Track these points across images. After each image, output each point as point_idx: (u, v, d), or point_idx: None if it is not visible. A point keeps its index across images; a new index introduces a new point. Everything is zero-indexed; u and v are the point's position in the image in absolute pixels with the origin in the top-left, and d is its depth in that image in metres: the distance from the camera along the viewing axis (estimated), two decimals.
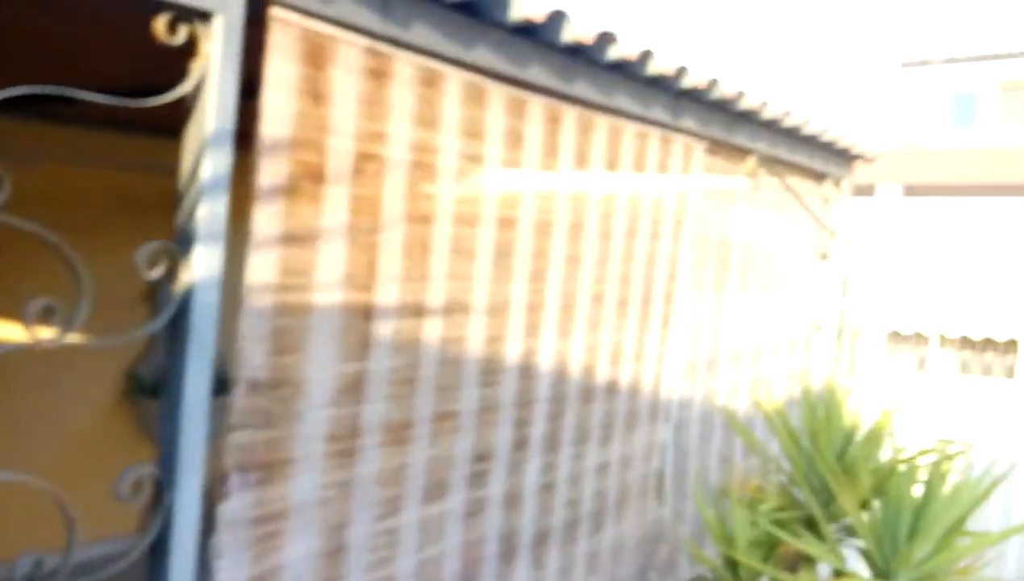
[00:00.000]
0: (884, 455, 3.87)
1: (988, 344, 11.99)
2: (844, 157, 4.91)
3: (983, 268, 11.52)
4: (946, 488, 3.23)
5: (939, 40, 17.32)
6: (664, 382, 3.77)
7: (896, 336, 12.47)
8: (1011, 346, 11.95)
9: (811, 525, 3.65)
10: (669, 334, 3.76)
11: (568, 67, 2.87)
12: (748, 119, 3.89)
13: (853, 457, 3.71)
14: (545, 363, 3.05)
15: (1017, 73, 13.94)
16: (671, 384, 3.81)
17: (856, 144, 4.76)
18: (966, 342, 12.19)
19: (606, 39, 2.86)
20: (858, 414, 3.99)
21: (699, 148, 3.68)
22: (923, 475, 3.43)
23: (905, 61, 15.01)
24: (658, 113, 3.36)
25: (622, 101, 3.16)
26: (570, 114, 2.99)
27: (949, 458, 3.36)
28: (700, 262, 3.91)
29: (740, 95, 3.63)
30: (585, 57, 2.89)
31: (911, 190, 11.40)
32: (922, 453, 3.64)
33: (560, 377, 3.14)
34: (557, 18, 2.66)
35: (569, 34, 2.69)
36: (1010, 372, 12.12)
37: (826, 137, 4.39)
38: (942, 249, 11.90)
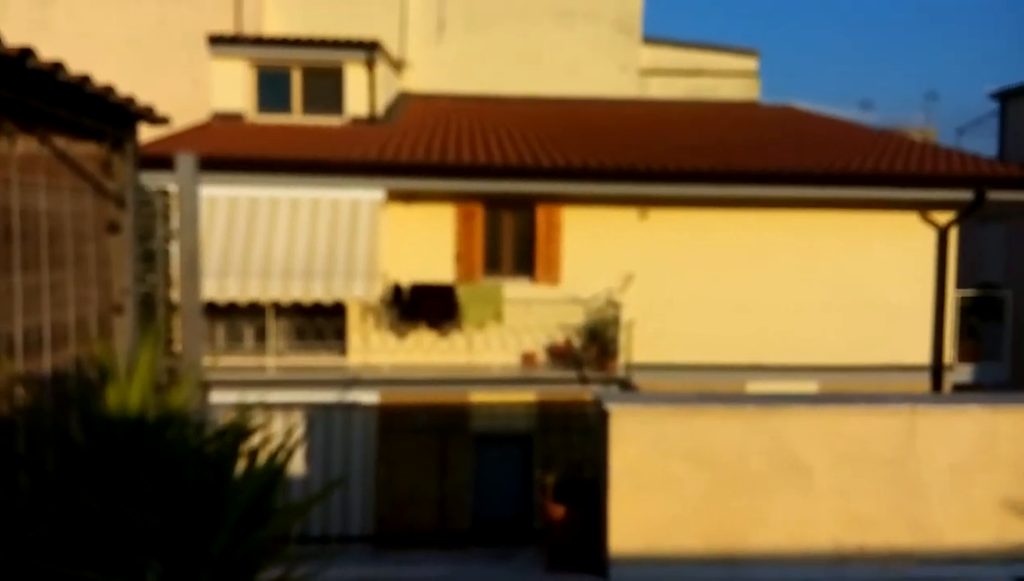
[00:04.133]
0: (190, 441, 3.47)
1: (318, 309, 12.63)
2: (123, 114, 4.34)
3: (293, 238, 11.99)
4: (240, 468, 2.95)
5: (249, 19, 17.74)
6: None
7: (232, 308, 12.43)
8: (339, 309, 12.79)
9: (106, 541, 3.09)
10: None
11: None
12: None
13: (147, 448, 3.24)
14: None
15: (319, 56, 14.88)
16: None
17: (135, 100, 4.25)
18: (298, 309, 12.69)
19: None
20: (162, 399, 3.54)
21: None
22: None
23: (213, 35, 14.86)
24: None
25: None
26: None
27: (243, 435, 3.09)
28: None
29: None
30: None
31: (219, 163, 11.32)
32: (220, 432, 3.33)
33: None
34: None
35: None
36: (340, 334, 12.98)
37: (92, 88, 3.77)
38: (254, 220, 12.12)
